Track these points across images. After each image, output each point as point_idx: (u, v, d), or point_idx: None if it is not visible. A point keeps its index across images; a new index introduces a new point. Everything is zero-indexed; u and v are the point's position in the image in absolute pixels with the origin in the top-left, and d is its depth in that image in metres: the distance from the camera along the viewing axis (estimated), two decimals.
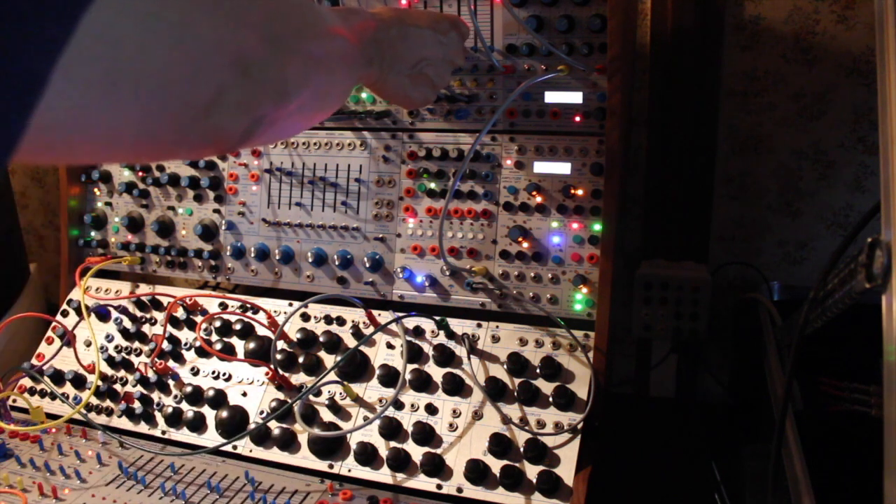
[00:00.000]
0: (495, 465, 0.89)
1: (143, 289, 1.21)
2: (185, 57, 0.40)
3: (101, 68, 0.35)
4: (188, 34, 0.40)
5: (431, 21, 0.81)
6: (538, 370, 0.96)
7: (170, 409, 1.05)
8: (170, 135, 0.43)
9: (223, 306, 1.14)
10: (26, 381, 1.15)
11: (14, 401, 1.11)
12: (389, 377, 1.00)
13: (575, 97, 0.99)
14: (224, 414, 1.01)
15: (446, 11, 1.00)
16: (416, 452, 0.93)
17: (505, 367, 0.98)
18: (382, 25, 0.73)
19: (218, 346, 1.08)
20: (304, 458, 0.96)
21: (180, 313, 1.15)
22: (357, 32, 0.67)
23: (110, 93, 0.36)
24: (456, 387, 0.97)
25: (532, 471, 0.88)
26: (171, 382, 1.09)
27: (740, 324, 1.27)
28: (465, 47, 0.90)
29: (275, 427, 0.99)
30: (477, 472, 0.88)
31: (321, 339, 1.05)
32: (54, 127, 0.34)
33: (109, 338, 1.16)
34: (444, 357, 0.99)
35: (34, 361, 1.16)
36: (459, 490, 0.89)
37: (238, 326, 1.10)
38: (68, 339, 1.14)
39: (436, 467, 0.91)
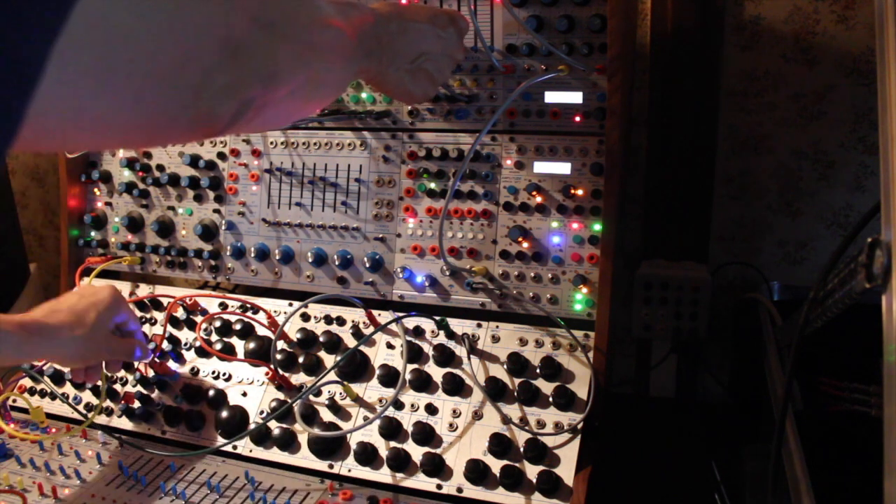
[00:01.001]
0: (495, 465, 0.89)
1: (143, 289, 1.21)
2: (176, 41, 0.41)
3: (95, 54, 0.35)
4: (180, 19, 0.41)
5: (430, 16, 0.81)
6: (538, 370, 0.96)
7: (170, 409, 1.05)
8: (161, 118, 0.44)
9: (223, 306, 1.14)
10: (26, 381, 1.15)
11: (14, 401, 1.11)
12: (389, 377, 1.00)
13: (575, 97, 0.99)
14: (224, 414, 1.01)
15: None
16: (416, 452, 0.93)
17: (505, 367, 0.98)
18: (381, 20, 0.73)
19: (218, 346, 1.08)
20: (304, 458, 0.96)
21: (180, 313, 1.15)
22: (355, 26, 0.67)
23: (104, 81, 0.36)
24: (456, 387, 0.97)
25: (532, 471, 0.88)
26: (170, 382, 1.09)
27: (740, 324, 1.27)
28: (464, 42, 0.90)
29: (275, 427, 0.99)
30: (477, 472, 0.88)
31: (321, 339, 1.05)
32: (48, 116, 0.34)
33: None
34: (444, 357, 1.00)
35: (34, 361, 1.16)
36: (459, 490, 0.89)
37: (238, 326, 1.10)
38: None
39: (436, 467, 0.91)
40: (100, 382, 1.09)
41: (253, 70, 0.48)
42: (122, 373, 1.12)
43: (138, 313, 1.18)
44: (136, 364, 1.11)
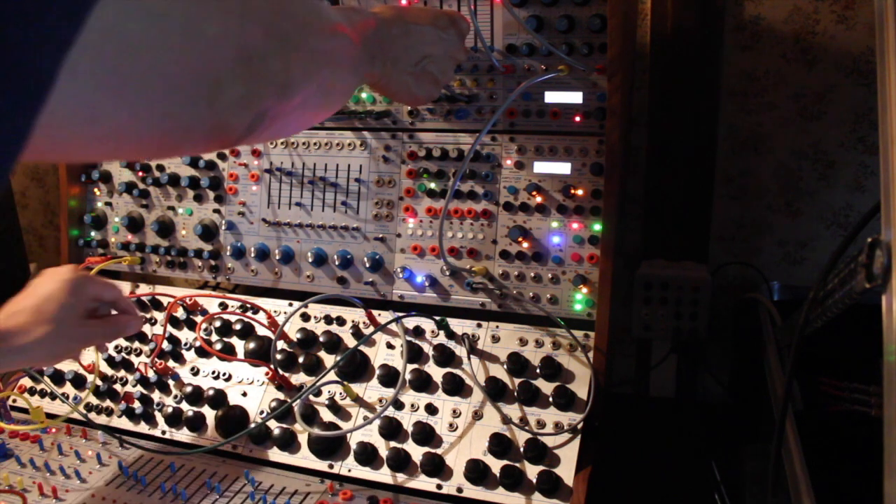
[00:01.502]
0: (495, 465, 0.89)
1: (143, 289, 1.21)
2: (191, 52, 0.40)
3: (108, 67, 0.35)
4: (195, 31, 0.40)
5: (432, 18, 0.81)
6: (538, 370, 0.96)
7: (170, 409, 1.05)
8: (175, 131, 0.44)
9: (223, 306, 1.14)
10: (26, 381, 1.15)
11: (14, 401, 1.11)
12: (389, 377, 1.00)
13: (575, 97, 0.99)
14: (224, 414, 1.01)
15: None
16: (416, 452, 0.93)
17: (505, 367, 0.98)
18: (384, 24, 0.73)
19: (218, 346, 1.08)
20: (304, 458, 0.96)
21: (180, 313, 1.15)
22: (360, 31, 0.67)
23: (117, 92, 0.36)
24: (456, 387, 0.97)
25: (532, 471, 0.88)
26: (171, 382, 1.09)
27: (740, 324, 1.27)
28: (465, 43, 0.90)
29: (275, 427, 0.99)
30: (477, 472, 0.88)
31: (321, 339, 1.05)
32: (61, 127, 0.34)
33: None
34: (444, 357, 1.00)
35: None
36: (459, 490, 0.89)
37: (238, 326, 1.10)
38: None
39: (436, 467, 0.91)
40: (90, 377, 1.09)
41: (267, 81, 0.48)
42: (122, 372, 1.12)
43: (138, 314, 1.17)
44: (136, 364, 1.11)
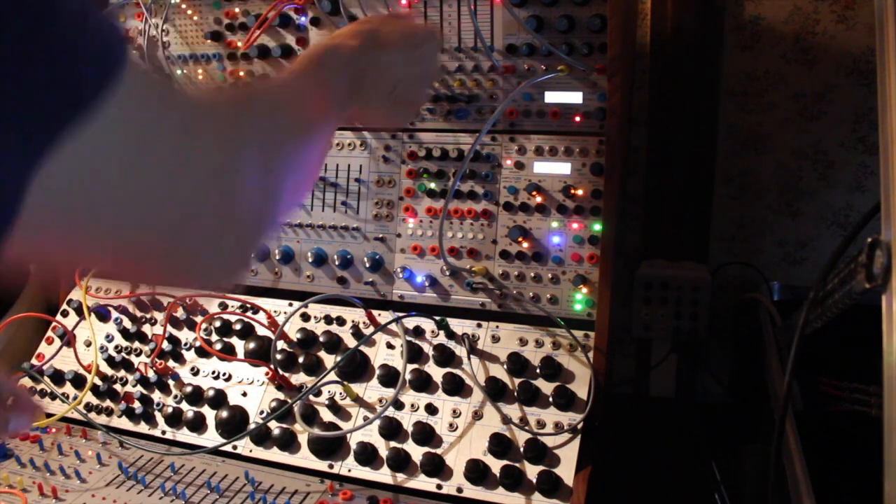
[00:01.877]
0: (495, 465, 0.89)
1: (143, 289, 1.21)
2: (177, 189, 0.37)
3: (83, 190, 0.32)
4: (184, 159, 0.37)
5: (403, 37, 0.77)
6: (538, 370, 0.96)
7: (170, 409, 1.05)
8: (153, 276, 0.42)
9: (223, 306, 1.14)
10: (26, 381, 1.15)
11: None
12: (389, 377, 1.00)
13: (575, 97, 0.99)
14: (224, 414, 1.01)
15: (446, 12, 1.01)
16: (416, 452, 0.93)
17: (505, 367, 0.98)
18: (353, 58, 0.70)
19: (218, 346, 1.08)
20: (304, 458, 0.96)
21: (180, 313, 1.15)
22: (339, 88, 0.66)
23: (86, 221, 0.34)
24: (456, 387, 0.97)
25: (532, 471, 0.88)
26: (171, 382, 1.09)
27: (740, 324, 1.27)
28: (440, 55, 0.88)
29: (275, 427, 0.99)
30: (477, 472, 0.88)
31: (321, 339, 1.05)
32: (30, 243, 0.32)
33: (109, 338, 1.16)
34: (444, 357, 0.99)
35: (34, 361, 1.16)
36: (459, 490, 0.89)
37: (238, 326, 1.10)
38: (68, 339, 1.14)
39: (436, 467, 0.90)
40: (89, 376, 1.09)
41: (258, 231, 0.46)
42: (122, 372, 1.12)
43: (138, 313, 1.18)
44: (136, 364, 1.11)
